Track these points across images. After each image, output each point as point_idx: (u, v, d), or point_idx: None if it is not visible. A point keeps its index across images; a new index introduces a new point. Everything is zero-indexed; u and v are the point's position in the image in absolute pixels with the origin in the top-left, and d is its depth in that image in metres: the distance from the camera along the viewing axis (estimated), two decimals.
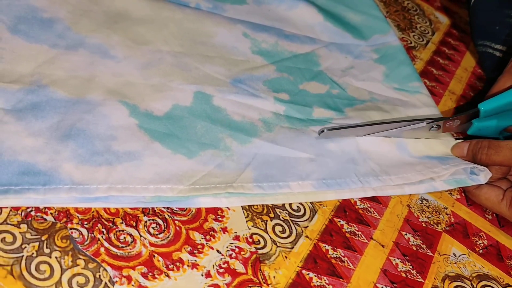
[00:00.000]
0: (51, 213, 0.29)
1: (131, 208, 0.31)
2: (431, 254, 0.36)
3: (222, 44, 0.44)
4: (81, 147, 0.32)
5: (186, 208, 0.32)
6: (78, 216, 0.29)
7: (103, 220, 0.30)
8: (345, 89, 0.45)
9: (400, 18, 0.57)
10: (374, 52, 0.50)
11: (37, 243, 0.28)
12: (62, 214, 0.29)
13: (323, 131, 0.37)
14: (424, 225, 0.37)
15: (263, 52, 0.45)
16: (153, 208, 0.31)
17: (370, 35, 0.52)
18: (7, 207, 0.29)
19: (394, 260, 0.35)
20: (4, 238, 0.27)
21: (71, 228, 0.29)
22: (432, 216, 0.38)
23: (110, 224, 0.30)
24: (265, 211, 0.34)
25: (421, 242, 0.36)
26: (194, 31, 0.44)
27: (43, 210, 0.29)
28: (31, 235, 0.28)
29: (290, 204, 0.35)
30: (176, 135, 0.35)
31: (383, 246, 0.35)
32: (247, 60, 0.44)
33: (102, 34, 0.40)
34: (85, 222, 0.29)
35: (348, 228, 0.35)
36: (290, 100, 0.41)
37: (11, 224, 0.28)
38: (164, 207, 0.32)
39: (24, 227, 0.28)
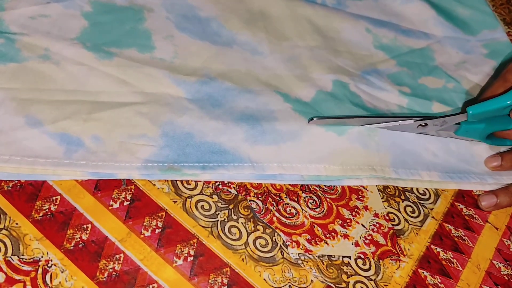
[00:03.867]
0: (233, 187, 0.36)
1: (291, 186, 0.38)
2: None
3: (348, 39, 0.49)
4: (252, 128, 0.38)
5: (334, 188, 0.38)
6: (253, 190, 0.37)
7: (272, 194, 0.37)
8: (460, 82, 0.49)
9: (506, 11, 0.60)
10: (484, 47, 0.53)
11: (226, 211, 0.35)
12: (241, 188, 0.36)
13: (312, 118, 0.39)
14: None
15: (384, 47, 0.50)
16: (308, 186, 0.38)
17: (479, 30, 0.55)
18: (200, 181, 0.36)
19: (507, 241, 0.40)
20: (203, 205, 0.35)
21: (250, 200, 0.36)
22: None
23: (278, 198, 0.37)
24: (397, 194, 0.40)
25: None
26: (324, 27, 0.49)
27: (228, 184, 0.36)
28: (221, 204, 0.35)
29: (417, 189, 0.40)
30: (325, 115, 0.41)
31: (497, 228, 0.40)
32: (371, 54, 0.49)
33: (249, 31, 0.46)
34: (259, 196, 0.36)
35: (466, 211, 0.40)
36: (412, 93, 0.46)
37: (206, 195, 0.35)
38: (316, 186, 0.38)
39: (215, 197, 0.35)
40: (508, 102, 0.39)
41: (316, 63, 0.46)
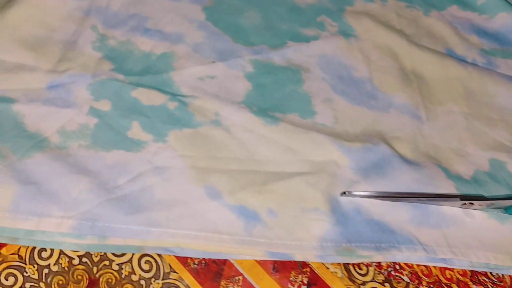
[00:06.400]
0: (406, 274, 0.35)
1: (460, 275, 0.36)
2: None
3: (503, 106, 0.47)
4: (417, 208, 0.37)
5: (502, 280, 0.37)
6: (425, 279, 0.36)
7: (443, 284, 0.36)
8: None
9: None
10: None
11: None
12: (414, 275, 0.36)
13: (345, 192, 0.37)
14: None
15: None
16: (477, 277, 0.37)
17: None
18: (371, 266, 0.35)
19: None
20: None
21: None
22: None
23: None
24: None
25: None
26: (477, 91, 0.47)
27: (399, 271, 0.35)
28: None
29: None
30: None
31: None
32: None
33: (405, 94, 0.45)
34: (431, 285, 0.35)
35: None
36: None
37: (378, 282, 0.35)
38: (485, 277, 0.37)
39: (387, 285, 0.35)
40: None
41: (472, 136, 0.44)
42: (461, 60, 0.49)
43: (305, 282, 0.34)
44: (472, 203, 0.38)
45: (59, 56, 0.40)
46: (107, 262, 0.32)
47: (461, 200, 0.38)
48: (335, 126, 0.41)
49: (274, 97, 0.42)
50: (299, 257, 0.34)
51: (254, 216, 0.35)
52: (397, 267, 0.36)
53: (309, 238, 0.34)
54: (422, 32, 0.50)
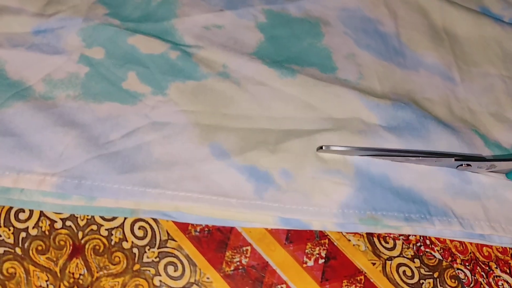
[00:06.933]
0: (437, 250, 0.31)
1: (500, 253, 0.32)
2: None
3: None
4: (454, 175, 0.33)
5: None
6: (459, 256, 0.31)
7: (480, 262, 0.31)
8: None
9: None
10: None
11: (431, 280, 0.30)
12: (446, 252, 0.31)
13: (322, 147, 0.32)
14: None
15: None
16: None
17: None
18: (399, 240, 0.31)
19: None
20: (405, 271, 0.30)
21: (457, 268, 0.31)
22: None
23: (487, 268, 0.31)
24: None
25: None
26: None
27: (430, 246, 0.31)
28: (425, 271, 0.30)
29: None
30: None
31: None
32: None
33: (436, 53, 0.40)
34: (467, 263, 0.31)
35: None
36: None
37: (407, 258, 0.30)
38: None
39: (417, 261, 0.30)
40: None
41: (511, 100, 0.39)
42: (498, 20, 0.44)
43: (323, 255, 0.29)
44: (469, 165, 0.33)
45: None
46: (94, 227, 0.27)
47: (456, 160, 0.33)
48: (360, 81, 0.36)
49: (290, 50, 0.37)
50: (316, 226, 0.29)
51: (266, 177, 0.30)
52: (427, 242, 0.31)
53: (328, 203, 0.30)
54: None
